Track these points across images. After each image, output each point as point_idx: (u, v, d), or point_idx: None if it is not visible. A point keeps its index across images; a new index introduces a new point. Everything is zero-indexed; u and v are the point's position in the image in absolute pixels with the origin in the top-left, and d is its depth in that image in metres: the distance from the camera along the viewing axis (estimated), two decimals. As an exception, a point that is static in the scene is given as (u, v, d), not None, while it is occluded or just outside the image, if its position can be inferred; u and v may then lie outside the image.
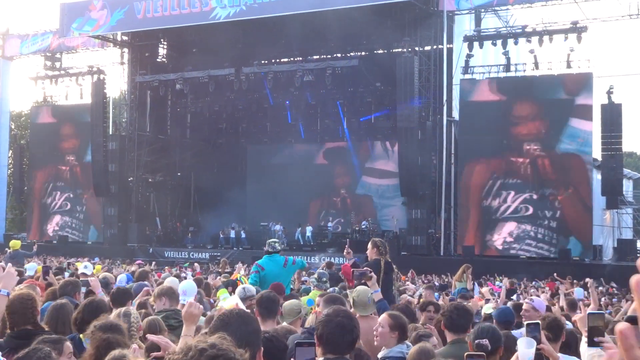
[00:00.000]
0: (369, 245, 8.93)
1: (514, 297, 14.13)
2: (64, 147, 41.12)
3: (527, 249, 29.84)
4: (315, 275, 10.43)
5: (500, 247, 30.31)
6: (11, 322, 4.94)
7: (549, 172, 29.83)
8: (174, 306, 6.65)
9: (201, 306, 4.45)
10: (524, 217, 29.93)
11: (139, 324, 5.07)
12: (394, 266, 9.33)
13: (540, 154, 29.99)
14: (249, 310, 4.46)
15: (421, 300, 10.29)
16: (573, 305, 10.34)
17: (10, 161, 49.27)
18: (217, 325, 3.44)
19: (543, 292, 17.50)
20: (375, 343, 5.12)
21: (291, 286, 10.60)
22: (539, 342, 4.41)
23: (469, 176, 30.95)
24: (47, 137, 41.20)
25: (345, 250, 9.40)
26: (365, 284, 6.19)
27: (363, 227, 33.84)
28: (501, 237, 30.23)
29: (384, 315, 5.21)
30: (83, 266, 10.47)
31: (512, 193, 30.15)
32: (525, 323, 4.99)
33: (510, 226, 30.19)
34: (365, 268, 6.99)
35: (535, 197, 29.77)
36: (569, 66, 29.93)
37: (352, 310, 5.77)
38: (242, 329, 3.37)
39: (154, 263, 26.62)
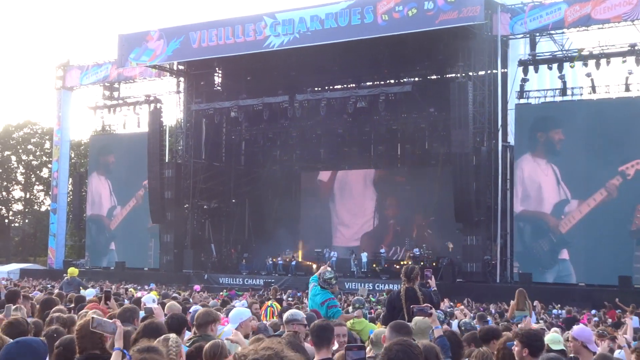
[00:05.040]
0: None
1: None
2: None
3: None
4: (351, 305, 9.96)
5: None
6: (80, 347, 5.02)
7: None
8: None
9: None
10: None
11: (179, 349, 5.00)
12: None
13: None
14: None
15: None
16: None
17: (70, 188, 50.34)
18: None
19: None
20: None
21: None
22: None
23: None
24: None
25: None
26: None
27: (416, 253, 33.45)
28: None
29: None
30: (150, 299, 10.10)
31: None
32: None
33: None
34: (425, 305, 6.91)
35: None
36: (627, 89, 29.32)
37: None
38: None
39: (225, 291, 26.78)
